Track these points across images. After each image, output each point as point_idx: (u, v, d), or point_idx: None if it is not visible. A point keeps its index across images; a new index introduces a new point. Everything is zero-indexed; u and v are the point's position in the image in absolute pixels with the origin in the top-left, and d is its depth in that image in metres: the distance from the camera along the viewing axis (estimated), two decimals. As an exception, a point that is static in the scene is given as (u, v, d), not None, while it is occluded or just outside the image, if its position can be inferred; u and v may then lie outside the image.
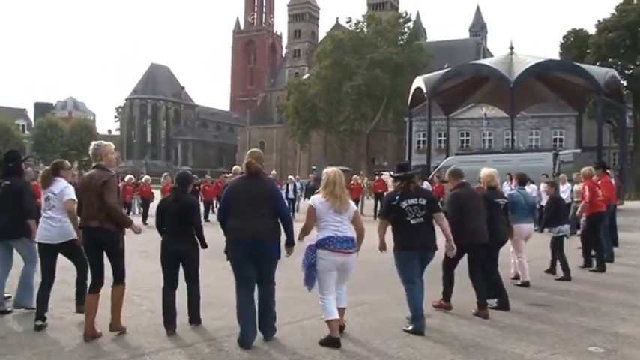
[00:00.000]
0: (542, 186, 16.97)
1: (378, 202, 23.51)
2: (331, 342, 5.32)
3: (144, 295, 6.97)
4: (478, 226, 6.67)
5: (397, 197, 5.98)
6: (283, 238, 5.60)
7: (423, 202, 5.98)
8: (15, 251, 6.78)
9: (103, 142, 6.01)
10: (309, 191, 24.25)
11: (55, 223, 6.01)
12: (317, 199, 5.52)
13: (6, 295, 6.75)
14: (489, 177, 7.55)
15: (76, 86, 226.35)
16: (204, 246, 5.96)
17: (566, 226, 9.68)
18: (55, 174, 6.20)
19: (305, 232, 5.55)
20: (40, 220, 6.14)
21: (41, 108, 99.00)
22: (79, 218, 5.82)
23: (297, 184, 25.70)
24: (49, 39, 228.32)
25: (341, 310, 5.62)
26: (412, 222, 5.91)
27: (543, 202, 16.63)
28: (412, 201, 5.96)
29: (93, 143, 6.01)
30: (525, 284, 8.41)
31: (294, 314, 6.49)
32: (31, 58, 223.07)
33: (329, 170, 5.69)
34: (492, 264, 7.16)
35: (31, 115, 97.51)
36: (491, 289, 7.04)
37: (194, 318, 6.00)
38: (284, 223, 5.60)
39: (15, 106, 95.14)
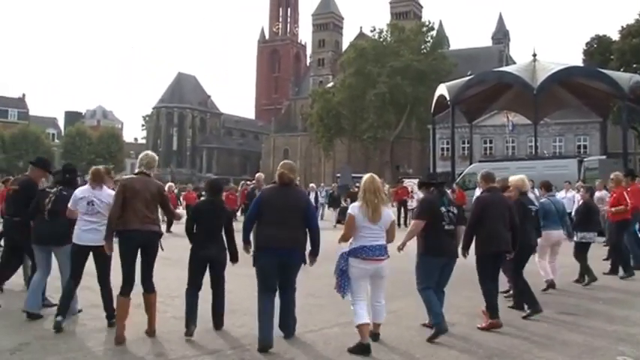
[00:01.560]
0: (562, 192, 16.92)
1: (402, 209, 23.57)
2: (361, 348, 5.31)
3: (167, 302, 7.04)
4: (499, 233, 6.50)
5: (442, 202, 6.01)
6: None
7: (455, 211, 6.06)
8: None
9: (155, 156, 6.24)
10: (333, 200, 24.38)
11: (99, 227, 6.05)
12: (356, 207, 5.51)
13: (51, 299, 6.87)
14: (521, 182, 7.49)
15: (105, 95, 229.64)
16: (235, 259, 6.02)
17: (592, 234, 9.53)
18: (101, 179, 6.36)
19: (345, 239, 5.56)
20: (79, 223, 6.15)
21: (71, 117, 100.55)
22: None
23: (321, 192, 25.80)
24: (82, 50, 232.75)
25: (376, 326, 5.68)
26: (446, 227, 5.93)
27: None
28: (450, 208, 6.03)
29: (149, 153, 6.21)
30: (550, 284, 8.32)
31: (316, 322, 6.49)
32: (63, 69, 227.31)
33: (364, 177, 5.69)
34: (520, 270, 7.10)
35: (61, 123, 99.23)
36: (521, 297, 7.00)
37: (218, 323, 6.08)
38: (312, 235, 5.71)
39: (46, 115, 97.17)
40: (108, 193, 6.25)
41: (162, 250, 5.95)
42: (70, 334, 5.97)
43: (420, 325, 6.21)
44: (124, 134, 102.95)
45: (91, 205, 6.16)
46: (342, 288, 5.45)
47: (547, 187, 9.19)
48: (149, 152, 6.22)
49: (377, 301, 5.63)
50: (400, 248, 6.00)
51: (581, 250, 9.32)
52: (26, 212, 6.98)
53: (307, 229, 5.69)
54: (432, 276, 5.98)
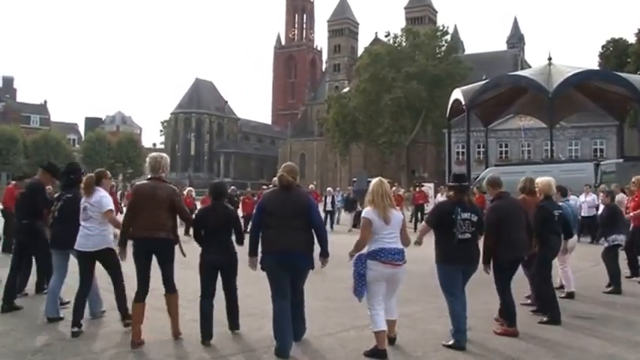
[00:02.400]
0: (582, 196, 16.96)
1: (419, 213, 23.69)
2: (377, 354, 5.29)
3: (186, 305, 7.01)
4: (519, 239, 6.35)
5: (458, 209, 5.82)
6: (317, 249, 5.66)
7: (475, 218, 5.86)
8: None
9: (163, 154, 6.11)
10: (349, 203, 24.52)
11: (91, 232, 6.11)
12: (370, 210, 5.46)
13: (66, 300, 7.01)
14: (548, 185, 7.29)
15: (124, 101, 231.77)
16: (242, 242, 6.02)
17: (622, 236, 9.42)
18: (97, 183, 6.34)
19: (360, 247, 5.47)
20: (81, 226, 6.22)
21: (91, 122, 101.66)
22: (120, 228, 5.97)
23: (337, 196, 25.93)
24: (102, 57, 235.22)
25: (392, 323, 5.62)
26: (460, 236, 5.76)
27: (583, 213, 16.71)
28: (465, 215, 5.81)
29: (153, 154, 6.06)
30: (570, 295, 8.28)
31: (333, 326, 6.49)
32: (83, 76, 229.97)
33: (372, 181, 5.66)
34: (547, 276, 7.04)
35: (81, 129, 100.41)
36: (543, 303, 6.98)
37: (234, 325, 6.10)
38: (318, 235, 5.63)
39: (67, 121, 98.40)
40: (100, 195, 6.25)
41: (185, 255, 5.97)
42: (91, 336, 6.04)
43: (442, 344, 5.96)
44: (143, 139, 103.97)
45: (85, 210, 6.21)
46: (359, 291, 5.41)
47: (563, 192, 9.00)
48: (153, 154, 6.11)
49: (389, 300, 5.59)
50: (418, 242, 5.99)
51: (612, 255, 9.21)
52: (34, 215, 7.15)
53: (313, 230, 5.61)
54: (453, 283, 5.88)
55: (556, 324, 6.69)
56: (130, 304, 6.06)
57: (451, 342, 5.74)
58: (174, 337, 5.88)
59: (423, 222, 6.10)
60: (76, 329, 6.01)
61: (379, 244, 5.37)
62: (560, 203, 8.55)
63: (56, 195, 7.00)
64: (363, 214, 5.58)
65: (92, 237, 6.12)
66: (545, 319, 6.80)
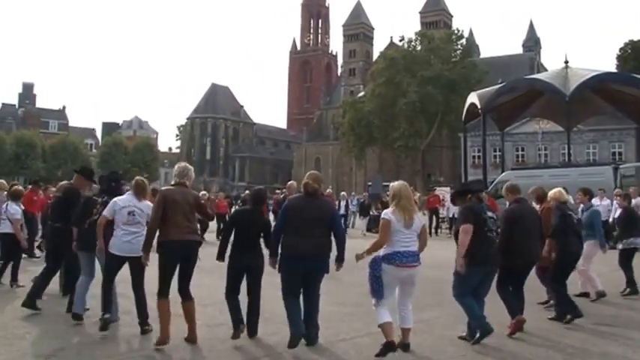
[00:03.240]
0: (596, 200, 16.77)
1: (434, 218, 23.59)
2: (387, 347, 5.30)
3: (199, 310, 6.94)
4: (531, 245, 6.44)
5: (482, 209, 5.96)
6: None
7: (495, 217, 6.08)
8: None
9: (188, 165, 6.33)
10: (364, 208, 24.52)
11: (139, 237, 6.16)
12: (390, 212, 5.49)
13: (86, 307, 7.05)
14: (559, 194, 7.42)
15: (140, 106, 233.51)
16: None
17: (639, 240, 9.33)
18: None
19: (377, 247, 5.51)
20: (118, 232, 6.26)
21: (108, 127, 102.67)
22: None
23: (352, 201, 26.00)
24: (119, 63, 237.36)
25: (407, 330, 5.57)
26: (489, 234, 5.91)
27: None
28: (490, 214, 6.03)
29: (182, 163, 6.36)
30: (601, 294, 8.26)
31: (348, 331, 6.50)
32: (101, 81, 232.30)
33: (395, 184, 5.70)
34: (563, 280, 7.07)
35: (99, 134, 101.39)
36: (563, 307, 6.97)
37: (251, 330, 6.10)
38: (338, 242, 5.80)
39: (85, 126, 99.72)
40: (148, 204, 6.40)
41: (199, 259, 6.03)
42: (106, 340, 6.09)
43: (457, 338, 6.12)
44: (159, 144, 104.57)
45: (132, 215, 6.28)
46: (377, 293, 5.44)
47: (590, 195, 8.99)
48: (183, 163, 6.38)
49: (403, 305, 5.57)
50: (463, 258, 5.85)
51: (626, 258, 9.18)
52: (68, 219, 7.21)
53: (333, 236, 5.76)
54: (471, 284, 5.93)
55: (579, 317, 6.76)
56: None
57: (477, 335, 5.79)
58: (192, 343, 5.89)
59: (462, 227, 5.95)
60: (107, 315, 6.18)
61: (395, 247, 5.39)
62: (594, 208, 8.69)
63: (100, 199, 7.00)
64: (383, 215, 5.60)
65: (139, 242, 6.13)
66: (568, 318, 6.83)
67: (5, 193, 10.41)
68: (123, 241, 6.23)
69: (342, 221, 23.17)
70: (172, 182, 6.15)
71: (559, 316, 7.06)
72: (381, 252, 5.47)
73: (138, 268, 6.24)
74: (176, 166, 6.27)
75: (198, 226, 6.35)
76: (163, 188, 6.51)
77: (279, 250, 5.84)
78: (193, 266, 5.98)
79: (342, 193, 25.94)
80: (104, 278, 6.35)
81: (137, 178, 6.68)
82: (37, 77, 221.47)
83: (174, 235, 5.77)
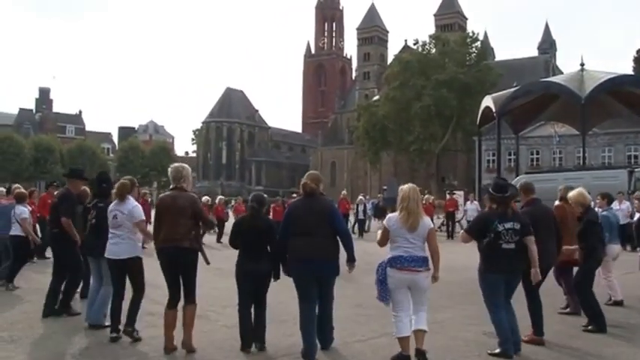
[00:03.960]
0: (615, 204, 16.69)
1: (450, 221, 23.61)
2: (400, 358, 5.32)
3: (219, 312, 7.13)
4: (549, 248, 6.26)
5: (497, 221, 5.69)
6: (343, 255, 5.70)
7: (518, 226, 5.72)
8: None
9: (185, 165, 6.19)
10: (379, 210, 24.56)
11: (122, 240, 6.20)
12: (392, 217, 5.48)
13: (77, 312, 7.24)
14: (582, 197, 7.23)
15: (156, 111, 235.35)
16: (277, 276, 5.94)
17: None
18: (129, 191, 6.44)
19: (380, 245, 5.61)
20: (109, 236, 6.31)
21: (125, 132, 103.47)
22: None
23: (368, 204, 26.02)
24: (134, 68, 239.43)
25: (420, 333, 5.41)
26: (504, 246, 5.67)
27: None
28: (508, 225, 5.70)
29: (174, 165, 6.15)
30: (619, 303, 8.20)
31: (364, 332, 6.53)
32: (117, 86, 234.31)
33: (404, 186, 5.61)
34: (591, 284, 6.99)
35: (115, 138, 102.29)
36: (587, 313, 6.90)
37: (259, 339, 5.90)
38: (343, 241, 5.71)
39: (102, 130, 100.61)
40: (131, 204, 6.36)
41: (208, 263, 5.93)
42: (128, 340, 6.14)
43: (482, 332, 6.12)
44: (175, 148, 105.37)
45: (115, 218, 6.30)
46: (383, 296, 5.44)
47: (609, 199, 8.83)
48: (175, 165, 6.19)
49: (418, 310, 5.48)
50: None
51: None
52: (59, 224, 7.32)
53: (338, 236, 5.68)
54: (498, 291, 5.79)
55: (601, 332, 6.65)
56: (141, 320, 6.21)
57: (497, 350, 5.66)
58: (187, 350, 5.75)
59: (463, 231, 5.98)
60: (114, 335, 6.18)
61: (397, 251, 5.36)
62: (604, 212, 8.45)
63: (91, 204, 7.14)
64: (384, 220, 5.64)
65: (122, 244, 6.23)
66: (590, 327, 6.78)
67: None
68: (110, 243, 6.32)
69: (361, 225, 23.40)
70: (170, 187, 6.06)
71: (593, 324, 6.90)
72: (387, 256, 5.45)
73: (133, 272, 6.31)
74: (169, 169, 6.12)
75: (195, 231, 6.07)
76: (162, 195, 6.39)
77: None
78: (190, 272, 5.84)
79: (360, 197, 25.89)
80: (113, 289, 6.45)
81: (120, 180, 6.60)
82: (53, 82, 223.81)
83: (161, 242, 5.81)
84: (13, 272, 9.65)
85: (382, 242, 5.56)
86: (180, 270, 5.83)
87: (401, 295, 5.39)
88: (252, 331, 5.86)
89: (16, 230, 9.70)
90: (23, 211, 9.77)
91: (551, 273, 6.95)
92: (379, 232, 5.73)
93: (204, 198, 22.36)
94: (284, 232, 5.79)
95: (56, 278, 7.69)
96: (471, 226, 6.03)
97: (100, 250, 6.51)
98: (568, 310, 7.71)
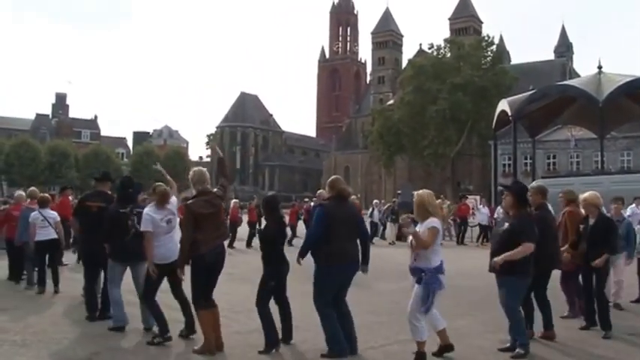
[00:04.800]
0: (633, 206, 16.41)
1: (462, 226, 23.41)
2: (420, 356, 5.42)
3: (231, 317, 7.12)
4: (556, 251, 6.52)
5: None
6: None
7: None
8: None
9: (195, 169, 6.24)
10: (393, 214, 24.46)
11: (175, 244, 6.26)
12: (438, 221, 5.55)
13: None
14: (597, 197, 7.22)
15: (171, 116, 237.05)
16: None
17: None
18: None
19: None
20: (162, 240, 6.27)
21: (139, 137, 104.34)
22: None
23: (383, 209, 25.96)
24: (148, 73, 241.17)
25: (444, 330, 5.63)
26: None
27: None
28: None
29: (197, 169, 6.26)
30: (617, 306, 8.16)
31: (377, 339, 6.50)
32: (131, 92, 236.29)
33: (422, 192, 5.73)
34: (603, 288, 6.98)
35: (130, 143, 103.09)
36: (604, 317, 6.86)
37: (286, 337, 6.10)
38: (364, 245, 5.84)
39: (116, 135, 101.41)
40: (175, 207, 6.54)
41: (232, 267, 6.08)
42: (140, 346, 6.19)
43: (499, 340, 6.13)
44: (190, 153, 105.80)
45: (170, 222, 6.37)
46: (429, 307, 5.42)
47: (623, 202, 8.87)
48: (198, 168, 6.33)
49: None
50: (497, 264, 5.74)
51: None
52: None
53: (360, 240, 5.84)
54: (522, 296, 5.97)
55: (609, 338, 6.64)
56: None
57: (519, 351, 5.73)
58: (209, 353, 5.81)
59: (527, 244, 5.68)
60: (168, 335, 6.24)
61: (440, 256, 5.45)
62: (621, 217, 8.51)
63: (128, 209, 7.00)
64: (434, 225, 5.49)
65: (175, 248, 6.23)
66: (605, 334, 6.72)
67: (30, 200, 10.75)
68: (168, 248, 6.32)
69: (375, 230, 23.27)
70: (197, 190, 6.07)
71: (604, 325, 6.88)
72: (432, 264, 5.39)
73: (175, 273, 6.23)
74: (193, 172, 6.20)
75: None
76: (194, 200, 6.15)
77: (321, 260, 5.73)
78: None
79: (375, 201, 25.83)
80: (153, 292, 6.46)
81: (159, 187, 6.57)
82: (69, 87, 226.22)
83: (211, 243, 5.89)
84: (42, 276, 9.63)
85: (430, 244, 5.45)
86: (219, 269, 5.95)
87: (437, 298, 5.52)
88: (275, 334, 5.92)
89: (46, 235, 9.53)
90: (54, 215, 9.76)
91: (554, 277, 6.95)
92: (392, 236, 5.76)
93: (233, 201, 22.47)
94: (321, 235, 5.69)
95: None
96: (532, 233, 5.82)
97: (144, 256, 6.46)
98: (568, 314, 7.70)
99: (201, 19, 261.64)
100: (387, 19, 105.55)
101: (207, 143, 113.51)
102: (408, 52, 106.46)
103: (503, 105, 29.10)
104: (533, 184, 7.59)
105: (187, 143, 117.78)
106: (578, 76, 53.62)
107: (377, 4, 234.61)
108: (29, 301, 8.92)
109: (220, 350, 5.82)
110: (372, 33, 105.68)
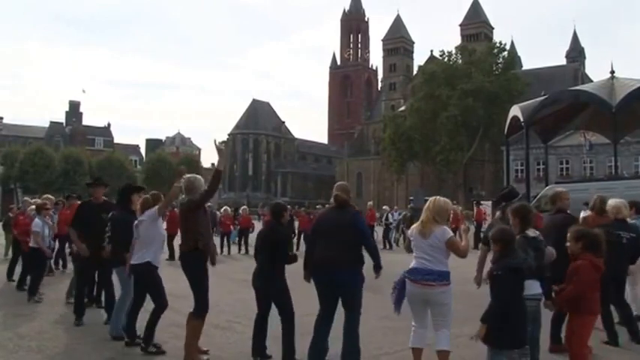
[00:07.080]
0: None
1: (478, 232, 23.32)
2: None
3: (245, 323, 7.07)
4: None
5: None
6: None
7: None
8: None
9: (189, 176, 6.16)
10: (407, 220, 24.45)
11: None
12: (413, 227, 5.42)
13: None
14: (616, 208, 7.05)
15: (183, 123, 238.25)
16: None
17: None
18: (155, 204, 6.45)
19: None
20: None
21: (152, 144, 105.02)
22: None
23: (395, 214, 26.01)
24: (161, 81, 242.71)
25: (442, 354, 5.21)
26: None
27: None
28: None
29: (189, 176, 6.14)
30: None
31: (391, 345, 6.49)
32: (144, 99, 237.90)
33: (431, 198, 5.58)
34: (623, 298, 6.93)
35: (143, 150, 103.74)
36: (632, 326, 6.82)
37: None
38: (368, 250, 5.65)
39: (129, 142, 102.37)
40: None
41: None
42: (154, 353, 6.14)
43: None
44: (202, 160, 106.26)
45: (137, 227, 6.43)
46: (395, 304, 5.33)
47: (637, 207, 8.51)
48: (191, 175, 6.26)
49: (438, 328, 5.26)
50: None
51: None
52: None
53: (364, 247, 5.61)
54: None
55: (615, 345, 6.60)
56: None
57: None
58: None
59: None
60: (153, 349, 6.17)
61: (414, 262, 5.23)
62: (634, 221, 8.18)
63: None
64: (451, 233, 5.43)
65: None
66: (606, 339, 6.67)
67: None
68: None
69: (387, 236, 23.26)
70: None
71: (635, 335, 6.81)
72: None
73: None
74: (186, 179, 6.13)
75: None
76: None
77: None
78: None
79: (385, 207, 25.89)
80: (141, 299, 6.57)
81: (143, 197, 6.73)
82: (83, 96, 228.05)
83: (203, 245, 6.01)
84: (34, 285, 9.68)
85: (407, 249, 5.55)
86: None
87: (416, 308, 5.27)
88: (260, 349, 5.82)
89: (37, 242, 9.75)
90: (37, 224, 9.81)
91: None
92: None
93: (223, 208, 23.06)
94: (310, 242, 5.88)
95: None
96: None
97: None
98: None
99: (212, 27, 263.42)
100: (397, 25, 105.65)
101: (215, 142, 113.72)
102: (419, 59, 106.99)
103: (515, 111, 28.98)
104: (547, 190, 7.49)
105: (200, 150, 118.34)
106: (591, 81, 53.38)
107: (388, 11, 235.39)
108: (45, 308, 8.98)
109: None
110: (383, 40, 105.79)
